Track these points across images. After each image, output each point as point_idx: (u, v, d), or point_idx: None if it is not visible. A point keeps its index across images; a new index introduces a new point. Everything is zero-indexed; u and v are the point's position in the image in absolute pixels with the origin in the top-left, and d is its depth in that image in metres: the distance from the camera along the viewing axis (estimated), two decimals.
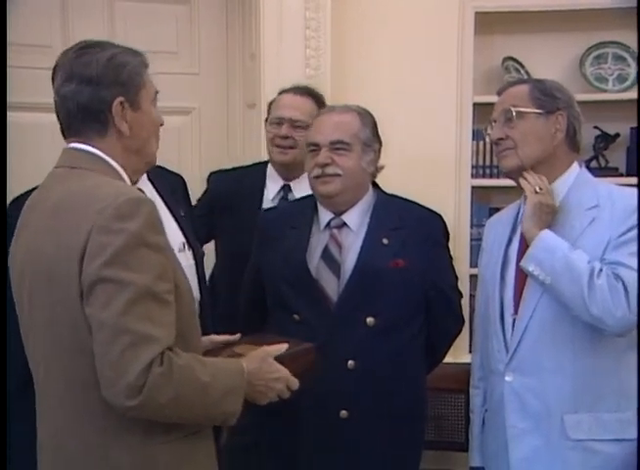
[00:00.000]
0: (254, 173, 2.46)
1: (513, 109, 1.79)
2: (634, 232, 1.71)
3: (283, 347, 1.58)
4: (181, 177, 2.25)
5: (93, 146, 1.45)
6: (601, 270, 1.69)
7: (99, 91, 1.43)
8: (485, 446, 1.95)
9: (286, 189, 2.43)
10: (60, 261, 1.34)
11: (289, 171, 2.42)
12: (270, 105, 2.48)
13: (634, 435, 1.70)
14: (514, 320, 1.81)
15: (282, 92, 2.47)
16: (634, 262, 1.68)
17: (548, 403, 1.77)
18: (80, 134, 1.46)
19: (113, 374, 1.28)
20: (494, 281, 1.87)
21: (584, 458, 1.73)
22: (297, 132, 2.36)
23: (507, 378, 1.81)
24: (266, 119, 2.46)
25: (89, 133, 1.45)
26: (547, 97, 1.80)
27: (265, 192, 2.42)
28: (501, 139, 1.83)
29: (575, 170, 1.85)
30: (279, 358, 1.55)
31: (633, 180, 2.70)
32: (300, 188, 2.39)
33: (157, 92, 1.53)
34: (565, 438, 1.75)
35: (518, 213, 1.90)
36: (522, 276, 1.81)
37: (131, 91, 1.46)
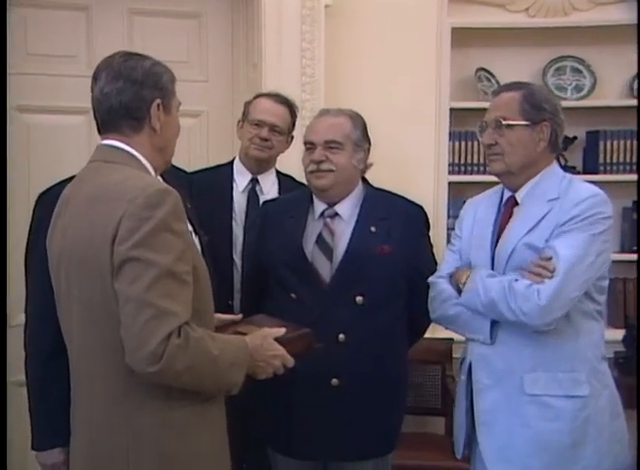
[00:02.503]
0: (224, 171, 2.45)
1: (503, 121, 1.79)
2: (579, 224, 1.69)
3: (282, 330, 1.58)
4: (187, 173, 2.21)
5: (125, 142, 1.45)
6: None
7: (141, 91, 1.43)
8: (459, 402, 1.93)
9: (254, 182, 2.41)
10: (94, 244, 1.34)
11: (260, 166, 2.40)
12: (248, 105, 2.41)
13: (584, 392, 1.73)
14: None
15: (261, 96, 2.40)
16: (568, 253, 1.66)
17: (511, 364, 1.77)
18: (117, 129, 1.45)
19: (136, 343, 1.28)
20: (486, 253, 1.84)
21: (539, 411, 1.74)
22: (274, 136, 2.35)
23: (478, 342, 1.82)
24: (243, 118, 2.41)
25: (125, 129, 1.45)
26: (534, 109, 1.77)
27: (234, 185, 2.41)
28: (492, 144, 1.82)
29: (551, 167, 1.84)
30: (278, 339, 1.55)
31: (589, 177, 2.73)
32: (267, 181, 2.41)
33: (180, 103, 1.54)
34: (522, 393, 1.75)
35: (501, 199, 1.89)
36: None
37: (166, 96, 1.48)
